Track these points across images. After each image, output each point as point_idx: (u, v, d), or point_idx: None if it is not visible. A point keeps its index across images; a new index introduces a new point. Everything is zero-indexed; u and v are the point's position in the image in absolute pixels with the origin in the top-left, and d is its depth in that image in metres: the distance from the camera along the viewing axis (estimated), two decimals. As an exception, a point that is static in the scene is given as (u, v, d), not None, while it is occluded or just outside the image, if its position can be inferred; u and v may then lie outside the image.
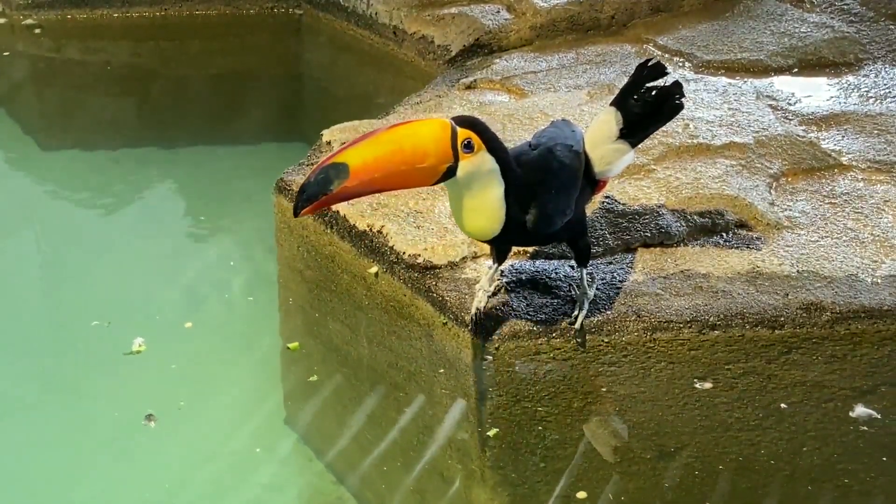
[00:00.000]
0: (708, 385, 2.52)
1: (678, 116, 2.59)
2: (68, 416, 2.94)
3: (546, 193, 2.33)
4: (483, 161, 2.23)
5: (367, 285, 2.83)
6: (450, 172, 2.23)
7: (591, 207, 2.84)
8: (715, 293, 2.59)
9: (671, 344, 2.52)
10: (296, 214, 2.25)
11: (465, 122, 2.24)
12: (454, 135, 2.20)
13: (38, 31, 5.07)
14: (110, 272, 3.55)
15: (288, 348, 2.99)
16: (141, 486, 2.70)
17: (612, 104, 2.52)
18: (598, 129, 2.51)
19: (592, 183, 2.51)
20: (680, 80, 2.56)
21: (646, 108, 2.51)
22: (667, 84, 2.52)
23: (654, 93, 2.51)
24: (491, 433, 2.50)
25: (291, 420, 2.90)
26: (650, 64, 2.50)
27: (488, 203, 2.28)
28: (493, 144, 2.25)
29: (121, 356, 3.04)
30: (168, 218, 3.94)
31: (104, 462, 2.78)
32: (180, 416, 2.88)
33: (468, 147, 2.21)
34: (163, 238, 3.80)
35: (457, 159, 2.21)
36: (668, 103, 2.53)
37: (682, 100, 2.54)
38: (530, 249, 2.72)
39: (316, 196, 2.21)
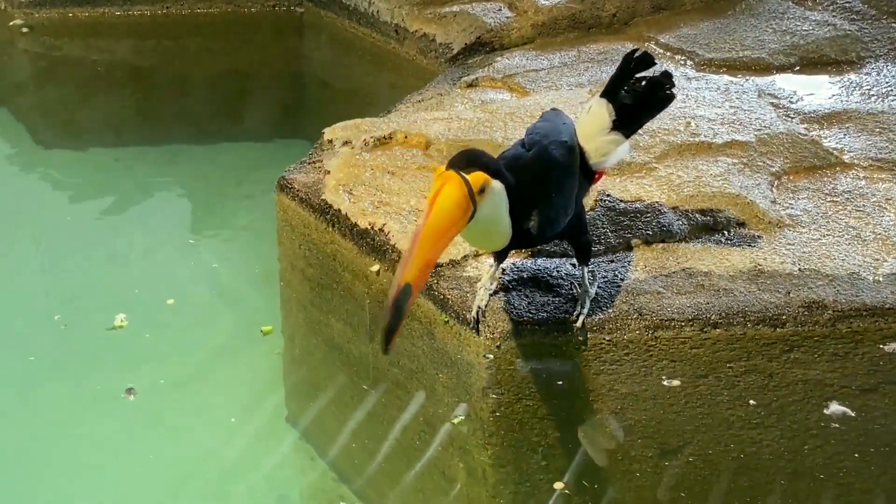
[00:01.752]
0: (676, 382, 2.51)
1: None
2: (54, 393, 2.96)
3: (547, 197, 2.31)
4: (493, 191, 2.20)
5: (369, 283, 2.83)
6: (471, 217, 2.19)
7: (593, 206, 2.84)
8: (717, 291, 2.59)
9: (673, 342, 2.52)
10: (385, 351, 2.18)
11: (467, 163, 2.19)
12: (470, 189, 2.16)
13: (25, 30, 5.07)
14: (110, 269, 3.56)
15: (262, 332, 3.01)
16: (129, 468, 2.72)
17: (602, 95, 2.51)
18: (590, 121, 2.50)
19: (589, 175, 2.51)
20: (669, 71, 2.56)
21: (637, 100, 2.50)
22: (656, 75, 2.52)
23: (643, 84, 2.50)
24: (455, 421, 2.51)
25: (292, 418, 2.91)
26: (637, 55, 2.49)
27: (500, 224, 2.26)
28: (494, 169, 2.22)
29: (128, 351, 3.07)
30: (169, 216, 3.95)
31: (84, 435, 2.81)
32: (183, 416, 2.89)
33: (482, 191, 2.18)
34: (164, 236, 3.81)
35: (475, 205, 2.18)
36: (659, 94, 2.53)
37: (673, 90, 2.54)
38: (532, 248, 2.72)
39: (399, 326, 2.15)
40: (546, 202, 2.31)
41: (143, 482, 2.71)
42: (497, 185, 2.20)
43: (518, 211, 2.27)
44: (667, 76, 2.52)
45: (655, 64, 2.51)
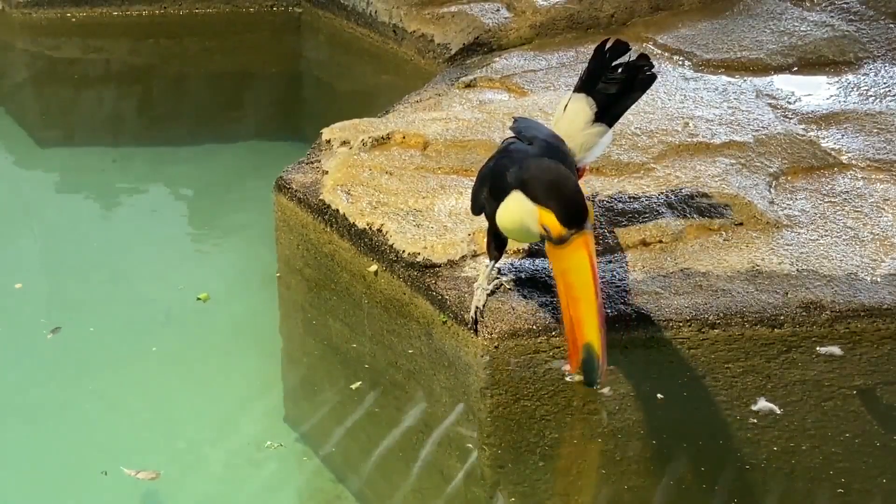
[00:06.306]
0: (577, 377, 2.51)
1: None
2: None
3: None
4: None
5: (367, 283, 2.83)
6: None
7: (591, 206, 2.84)
8: (714, 292, 2.59)
9: (671, 343, 2.52)
10: (592, 384, 2.25)
11: (584, 214, 2.17)
12: None
13: None
14: (109, 270, 3.56)
15: (198, 299, 3.06)
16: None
17: (577, 91, 2.51)
18: (571, 118, 2.51)
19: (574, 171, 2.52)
20: (645, 52, 2.55)
21: (618, 87, 2.50)
22: (632, 59, 2.51)
23: (622, 71, 2.50)
24: (354, 386, 2.62)
25: (290, 418, 2.91)
26: (609, 44, 2.49)
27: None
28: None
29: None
30: (167, 216, 3.95)
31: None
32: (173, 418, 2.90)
33: None
34: (162, 236, 3.81)
35: None
36: (639, 77, 2.53)
37: (653, 70, 2.53)
38: (528, 248, 2.72)
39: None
40: None
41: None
42: None
43: None
44: (644, 58, 2.53)
45: (630, 50, 2.51)
